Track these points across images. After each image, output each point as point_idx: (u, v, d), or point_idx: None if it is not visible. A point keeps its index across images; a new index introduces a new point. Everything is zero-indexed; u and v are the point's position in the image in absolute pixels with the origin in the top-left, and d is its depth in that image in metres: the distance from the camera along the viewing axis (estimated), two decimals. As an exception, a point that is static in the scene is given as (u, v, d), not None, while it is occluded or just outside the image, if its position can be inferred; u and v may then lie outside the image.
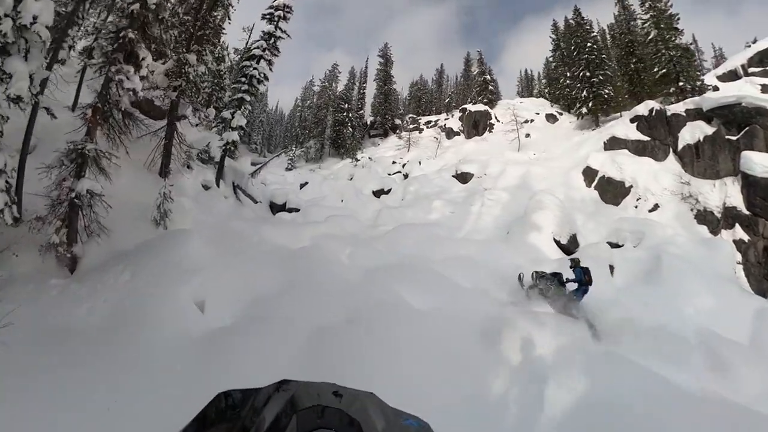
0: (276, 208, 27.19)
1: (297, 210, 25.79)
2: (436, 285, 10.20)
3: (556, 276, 12.16)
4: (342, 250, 12.81)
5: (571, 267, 12.25)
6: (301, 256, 10.72)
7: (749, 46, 31.71)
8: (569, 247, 17.49)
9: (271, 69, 19.55)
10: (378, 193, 32.40)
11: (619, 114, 33.92)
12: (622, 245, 17.04)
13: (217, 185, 17.19)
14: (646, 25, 31.93)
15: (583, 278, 11.70)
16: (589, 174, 24.04)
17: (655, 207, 20.41)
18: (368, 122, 62.69)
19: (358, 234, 17.33)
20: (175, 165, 14.30)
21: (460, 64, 76.92)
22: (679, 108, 23.12)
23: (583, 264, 12.29)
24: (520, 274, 12.96)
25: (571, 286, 11.93)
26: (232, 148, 17.71)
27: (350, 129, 54.39)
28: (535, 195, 19.33)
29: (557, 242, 17.40)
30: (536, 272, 12.58)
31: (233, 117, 17.98)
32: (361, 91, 63.38)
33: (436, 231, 17.51)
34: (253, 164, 49.58)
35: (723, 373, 8.29)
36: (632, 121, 25.20)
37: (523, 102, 50.70)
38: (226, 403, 1.08)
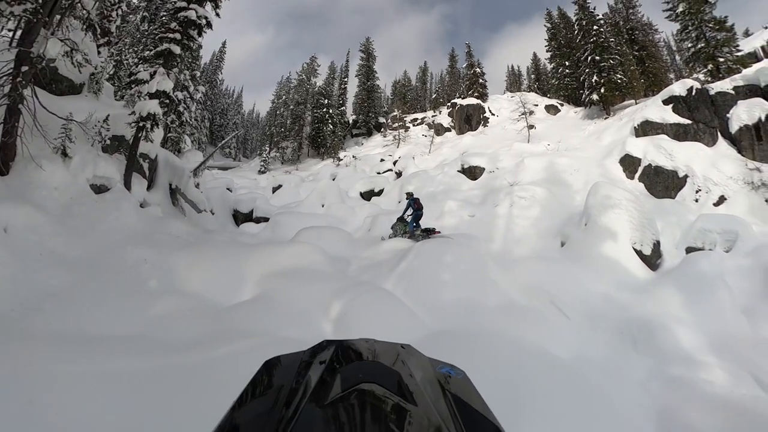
0: (241, 218, 23.01)
1: (266, 219, 21.06)
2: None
3: (399, 218, 15.30)
4: (318, 308, 6.63)
5: (407, 199, 15.11)
6: (225, 357, 4.70)
7: (766, 28, 30.58)
8: (653, 259, 12.30)
9: (217, 13, 13.66)
10: (367, 195, 27.59)
11: (633, 101, 32.35)
12: (710, 250, 12.28)
13: (127, 186, 11.27)
14: None
15: (414, 205, 14.57)
16: (629, 163, 19.95)
17: (722, 200, 16.54)
18: (350, 121, 58.39)
19: (349, 258, 11.53)
20: (38, 150, 8.34)
21: (444, 65, 73.60)
22: (725, 85, 20.00)
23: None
24: (383, 237, 15.31)
25: (409, 218, 14.68)
26: (150, 126, 11.70)
27: (331, 126, 49.92)
28: (598, 187, 13.74)
29: (638, 253, 12.12)
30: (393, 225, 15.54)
31: (152, 77, 12.12)
32: (342, 86, 59.78)
33: (475, 246, 11.38)
34: (222, 169, 45.26)
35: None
36: (666, 102, 21.80)
37: (514, 96, 46.89)
38: (273, 369, 1.16)
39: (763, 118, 17.49)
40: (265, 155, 48.51)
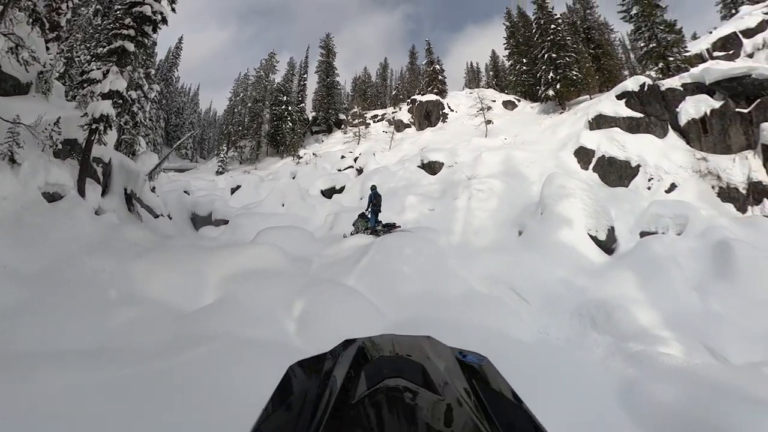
0: (199, 221, 22.19)
1: (226, 222, 20.47)
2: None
3: (360, 215, 15.65)
4: (280, 308, 6.73)
5: (370, 192, 15.56)
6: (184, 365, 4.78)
7: (711, 32, 32.79)
8: (608, 243, 13.16)
9: (173, 8, 13.29)
10: (328, 193, 27.44)
11: (587, 96, 33.41)
12: (663, 234, 13.35)
13: (81, 193, 10.83)
14: (627, 1, 30.71)
15: (373, 200, 15.04)
16: (584, 155, 21.05)
17: (672, 187, 17.66)
18: (310, 118, 57.44)
19: (311, 257, 11.63)
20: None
21: (404, 62, 73.72)
22: (674, 82, 21.22)
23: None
24: (345, 234, 15.67)
25: (369, 213, 15.12)
26: (103, 128, 11.22)
27: (290, 124, 49.12)
28: (553, 178, 14.58)
29: (594, 239, 12.88)
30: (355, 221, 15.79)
31: (105, 76, 11.63)
32: (302, 83, 58.82)
33: (435, 239, 12.04)
34: (178, 171, 43.97)
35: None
36: (619, 97, 22.87)
37: (472, 92, 47.97)
38: (298, 374, 1.14)
39: (708, 113, 18.59)
40: (222, 155, 47.37)
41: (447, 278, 9.03)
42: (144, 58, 22.30)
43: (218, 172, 43.97)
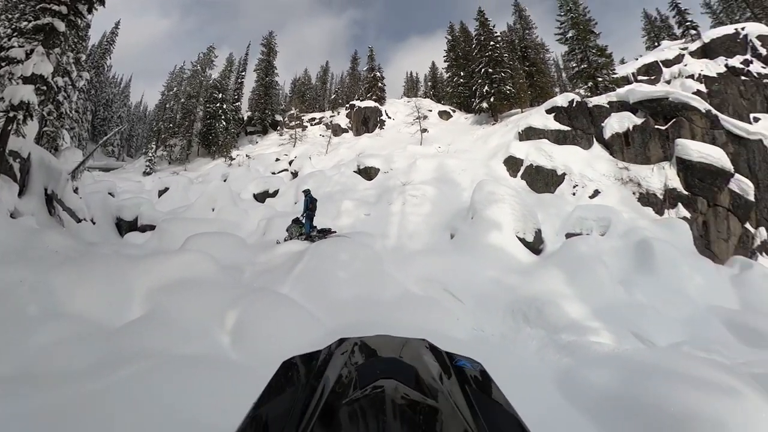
0: (125, 226, 20.55)
1: (152, 227, 19.04)
2: None
3: (294, 220, 15.33)
4: (213, 320, 6.40)
5: (305, 197, 15.25)
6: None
7: (637, 59, 36.16)
8: (535, 245, 14.15)
9: None
10: (261, 197, 26.77)
11: (519, 110, 35.90)
12: (588, 235, 14.87)
13: None
14: (564, 25, 33.62)
15: (309, 204, 14.87)
16: (512, 163, 22.53)
17: (596, 193, 19.49)
18: (245, 118, 55.63)
19: (243, 265, 11.13)
20: None
21: (346, 67, 74.50)
22: (601, 100, 23.78)
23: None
24: (278, 240, 14.87)
25: (304, 218, 14.87)
26: (22, 118, 10.07)
27: (224, 123, 47.30)
28: (483, 185, 15.39)
29: (522, 240, 13.81)
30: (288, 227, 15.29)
31: (28, 57, 10.51)
32: (239, 81, 57.30)
33: (370, 244, 12.27)
34: (103, 170, 41.08)
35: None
36: (549, 111, 25.09)
37: (410, 101, 50.06)
38: (291, 369, 1.15)
39: (631, 128, 20.96)
40: (151, 154, 44.47)
41: (383, 281, 9.10)
42: (75, 40, 20.48)
43: (146, 173, 41.38)
